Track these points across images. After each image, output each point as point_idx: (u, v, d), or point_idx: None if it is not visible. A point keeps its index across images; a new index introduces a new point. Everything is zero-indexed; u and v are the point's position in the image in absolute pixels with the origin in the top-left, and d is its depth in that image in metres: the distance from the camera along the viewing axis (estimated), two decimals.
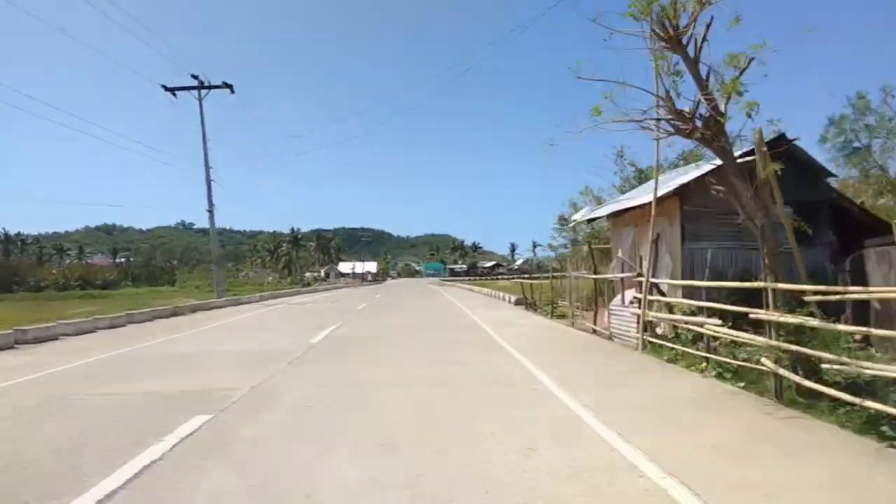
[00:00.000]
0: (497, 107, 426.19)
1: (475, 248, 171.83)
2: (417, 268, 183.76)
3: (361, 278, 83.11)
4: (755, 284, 7.45)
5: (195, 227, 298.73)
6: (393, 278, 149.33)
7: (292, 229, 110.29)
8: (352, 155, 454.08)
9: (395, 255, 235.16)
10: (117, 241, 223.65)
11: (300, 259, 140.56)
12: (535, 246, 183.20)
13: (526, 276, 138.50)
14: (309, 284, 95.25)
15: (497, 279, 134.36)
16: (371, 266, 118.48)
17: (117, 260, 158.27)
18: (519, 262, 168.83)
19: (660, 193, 11.69)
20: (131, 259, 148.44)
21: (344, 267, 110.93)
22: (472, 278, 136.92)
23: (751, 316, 7.31)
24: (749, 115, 6.73)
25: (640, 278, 11.50)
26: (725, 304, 8.53)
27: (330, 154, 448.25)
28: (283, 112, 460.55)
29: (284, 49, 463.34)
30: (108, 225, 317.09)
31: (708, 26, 7.03)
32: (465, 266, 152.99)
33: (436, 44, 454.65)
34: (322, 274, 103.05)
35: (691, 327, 9.36)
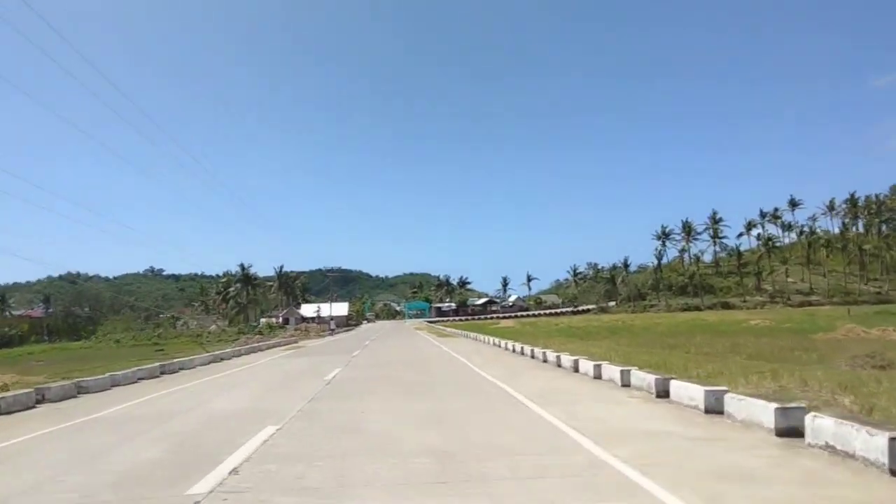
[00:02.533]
0: (474, 144, 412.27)
1: (463, 283, 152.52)
2: (398, 308, 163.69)
3: (327, 325, 63.21)
4: None
5: (165, 272, 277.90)
6: (370, 321, 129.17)
7: (242, 266, 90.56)
8: (326, 195, 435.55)
9: (372, 295, 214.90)
10: (81, 290, 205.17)
11: (261, 303, 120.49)
12: (529, 280, 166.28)
13: (524, 312, 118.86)
14: (261, 333, 75.72)
15: (494, 318, 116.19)
16: (341, 308, 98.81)
17: (49, 311, 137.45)
18: (512, 298, 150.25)
19: None
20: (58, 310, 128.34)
21: (308, 310, 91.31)
22: (462, 318, 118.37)
23: None
24: None
25: None
26: None
27: (305, 196, 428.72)
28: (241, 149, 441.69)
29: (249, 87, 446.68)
30: (72, 273, 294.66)
31: None
32: (453, 304, 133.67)
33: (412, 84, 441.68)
34: (278, 320, 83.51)
35: None
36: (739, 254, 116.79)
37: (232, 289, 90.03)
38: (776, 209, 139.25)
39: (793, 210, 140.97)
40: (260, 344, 31.46)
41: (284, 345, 33.36)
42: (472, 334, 37.17)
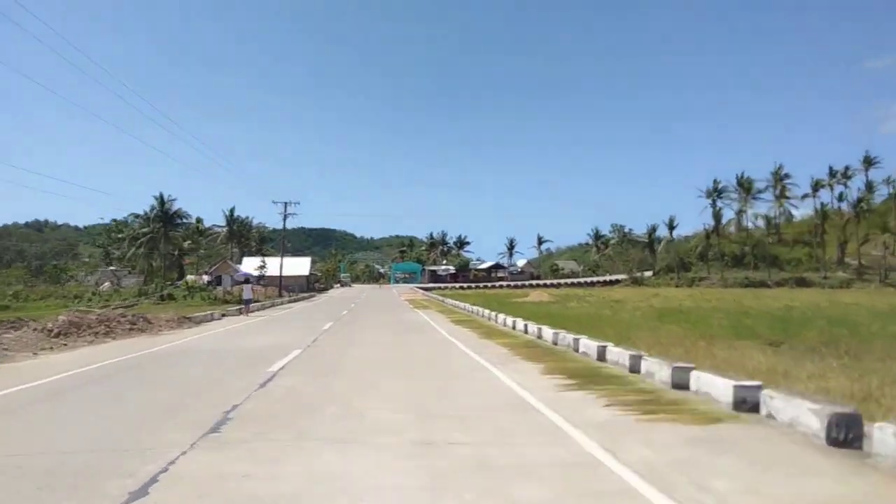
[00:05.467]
0: (474, 90, 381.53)
1: (461, 243, 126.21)
2: (382, 270, 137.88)
3: (247, 296, 33.96)
4: None
5: None
6: (344, 285, 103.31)
7: (161, 199, 63.10)
8: (310, 149, 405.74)
9: (355, 256, 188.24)
10: (48, 239, 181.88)
11: (209, 257, 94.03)
12: (540, 242, 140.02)
13: (537, 281, 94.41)
14: (172, 297, 50.95)
15: (505, 287, 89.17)
16: (300, 265, 72.78)
17: None
18: (521, 262, 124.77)
19: None
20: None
21: (249, 265, 65.33)
22: (464, 285, 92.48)
23: None
24: None
25: None
26: None
27: (286, 149, 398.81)
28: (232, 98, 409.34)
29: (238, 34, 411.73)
30: (38, 221, 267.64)
31: None
32: (451, 267, 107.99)
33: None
34: (205, 279, 57.70)
35: None
36: (825, 215, 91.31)
37: (147, 229, 63.08)
38: (847, 168, 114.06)
39: (867, 169, 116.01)
40: None
41: None
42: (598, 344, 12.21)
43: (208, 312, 23.42)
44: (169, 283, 58.52)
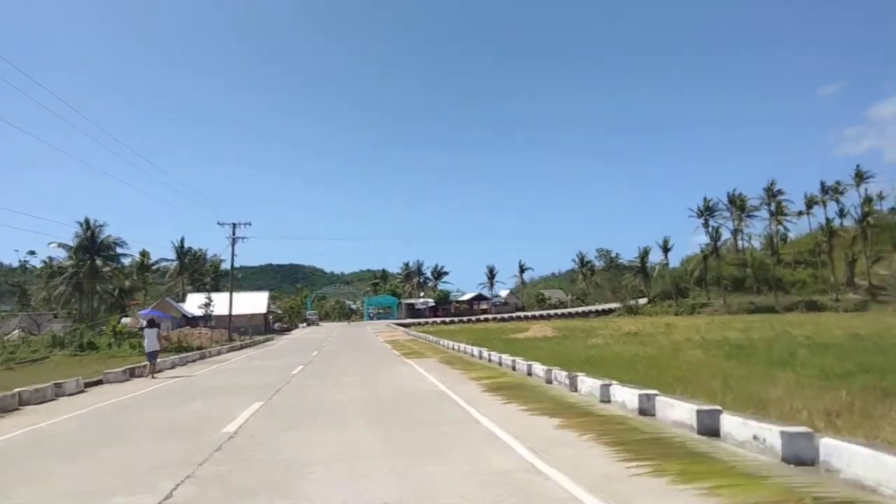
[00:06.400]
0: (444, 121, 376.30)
1: (438, 273, 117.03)
2: (353, 306, 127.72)
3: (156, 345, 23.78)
4: None
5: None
6: (311, 323, 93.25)
7: (88, 224, 52.46)
8: (276, 184, 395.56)
9: (323, 290, 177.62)
10: (27, 280, 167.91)
11: (157, 292, 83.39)
12: (522, 270, 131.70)
13: (524, 313, 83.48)
14: (94, 348, 41.43)
15: (493, 320, 74.60)
16: (255, 301, 63.15)
17: None
18: (504, 293, 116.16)
19: None
20: None
21: (193, 303, 55.30)
22: (445, 320, 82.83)
23: None
24: None
25: None
26: None
27: (252, 183, 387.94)
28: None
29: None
30: (21, 261, 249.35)
31: None
32: (430, 300, 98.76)
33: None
34: (143, 322, 47.92)
35: None
36: (831, 232, 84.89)
37: (70, 263, 52.65)
38: (838, 182, 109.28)
39: (858, 184, 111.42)
40: None
41: None
42: None
43: (50, 384, 13.91)
44: (96, 328, 48.35)
